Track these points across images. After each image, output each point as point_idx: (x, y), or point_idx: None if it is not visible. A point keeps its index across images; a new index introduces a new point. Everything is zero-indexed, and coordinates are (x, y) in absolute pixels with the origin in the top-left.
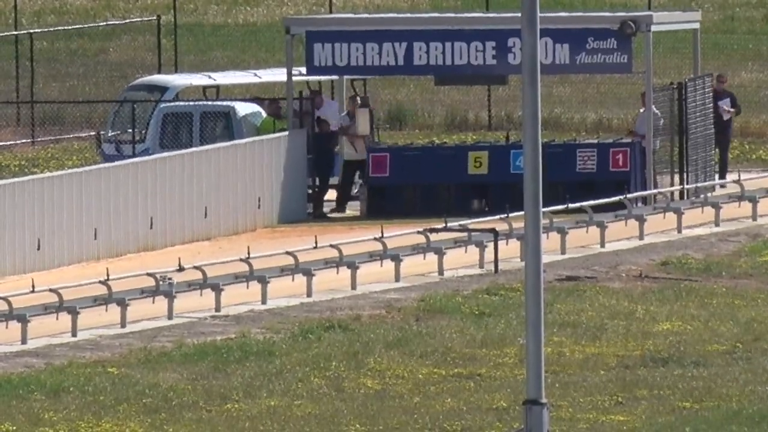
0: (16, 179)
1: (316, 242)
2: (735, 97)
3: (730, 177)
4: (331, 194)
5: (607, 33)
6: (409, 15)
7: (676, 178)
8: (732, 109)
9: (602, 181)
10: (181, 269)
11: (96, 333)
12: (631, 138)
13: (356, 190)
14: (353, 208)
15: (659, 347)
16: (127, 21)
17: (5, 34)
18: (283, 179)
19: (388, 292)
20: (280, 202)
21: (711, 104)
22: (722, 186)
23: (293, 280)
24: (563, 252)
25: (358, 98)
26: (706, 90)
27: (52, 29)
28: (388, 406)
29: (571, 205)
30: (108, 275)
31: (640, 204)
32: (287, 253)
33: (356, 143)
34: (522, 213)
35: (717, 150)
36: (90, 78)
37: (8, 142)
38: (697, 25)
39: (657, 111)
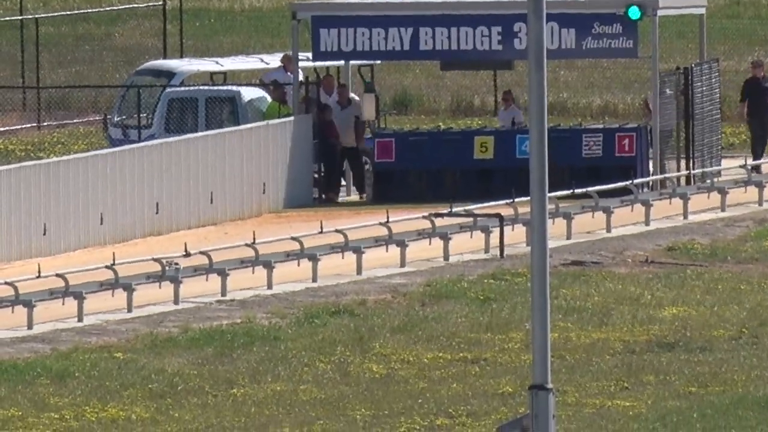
0: (21, 164)
1: (321, 227)
2: None
3: (737, 162)
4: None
5: (612, 18)
6: (415, 0)
7: (683, 163)
8: None
9: (608, 166)
10: (187, 254)
11: (102, 318)
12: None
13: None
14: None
15: (665, 332)
16: (133, 6)
17: (11, 18)
18: (289, 164)
19: (394, 277)
20: (285, 187)
21: (717, 89)
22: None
23: (299, 265)
24: (569, 237)
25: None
26: (713, 75)
27: (57, 14)
28: (394, 390)
29: (576, 191)
30: (114, 260)
31: (646, 189)
32: (293, 238)
33: (345, 130)
34: (527, 198)
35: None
36: (95, 63)
37: (14, 127)
38: (703, 10)
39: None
